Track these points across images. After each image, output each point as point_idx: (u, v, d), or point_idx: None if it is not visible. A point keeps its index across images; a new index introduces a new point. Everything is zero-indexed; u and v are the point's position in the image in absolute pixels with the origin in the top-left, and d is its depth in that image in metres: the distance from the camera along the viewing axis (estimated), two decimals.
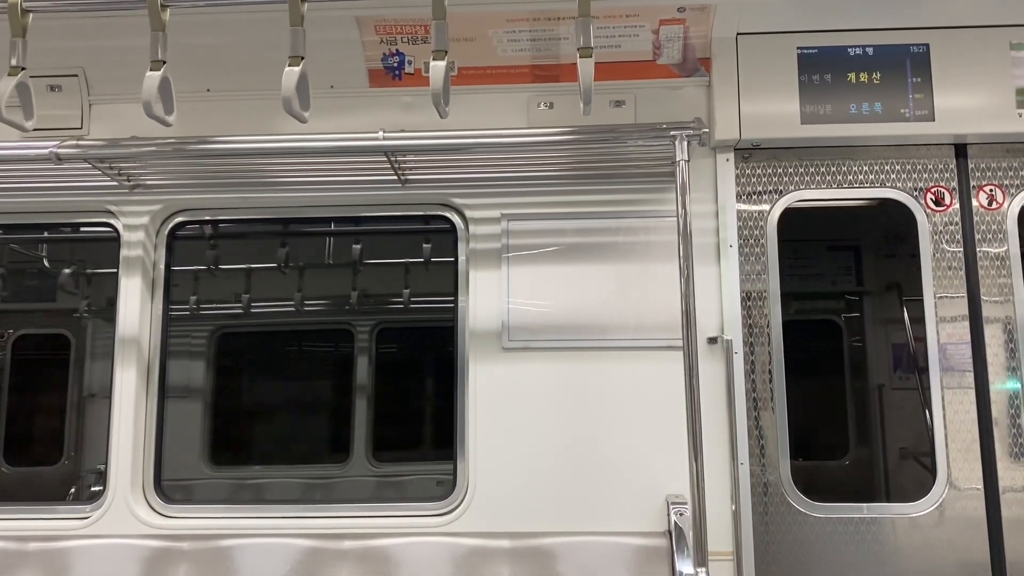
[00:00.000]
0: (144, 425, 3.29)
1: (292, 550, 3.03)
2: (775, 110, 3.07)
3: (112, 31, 3.05)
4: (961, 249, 3.11)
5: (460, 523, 3.06)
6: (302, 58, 2.46)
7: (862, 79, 3.08)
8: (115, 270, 3.34)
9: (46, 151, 2.83)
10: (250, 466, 4.26)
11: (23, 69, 2.54)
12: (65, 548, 3.08)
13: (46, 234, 4.18)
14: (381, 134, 2.82)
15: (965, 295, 3.08)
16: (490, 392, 3.13)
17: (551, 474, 3.08)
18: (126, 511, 3.15)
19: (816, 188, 3.18)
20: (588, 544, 2.99)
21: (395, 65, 3.22)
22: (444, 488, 3.24)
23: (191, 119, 3.17)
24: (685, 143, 2.73)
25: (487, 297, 3.19)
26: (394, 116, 3.28)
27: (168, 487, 3.34)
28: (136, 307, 3.29)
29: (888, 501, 3.12)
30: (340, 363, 4.33)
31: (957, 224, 3.13)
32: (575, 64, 2.47)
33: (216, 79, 3.29)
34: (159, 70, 2.49)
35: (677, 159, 2.73)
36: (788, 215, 3.17)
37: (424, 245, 4.01)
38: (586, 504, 3.05)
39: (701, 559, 2.55)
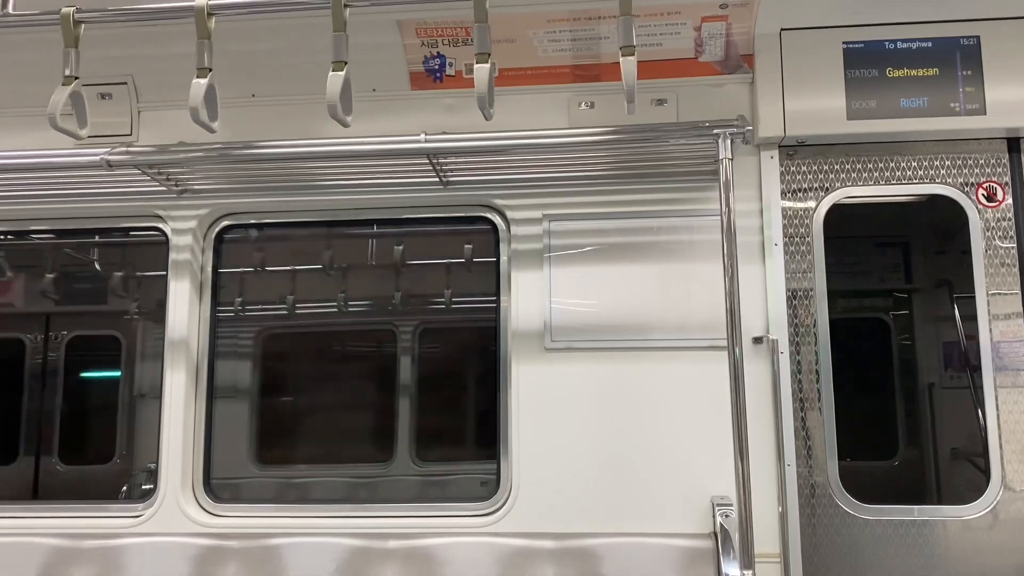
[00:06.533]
0: (193, 425, 3.35)
1: (338, 549, 3.06)
2: (820, 106, 3.03)
3: (159, 39, 3.10)
4: (1015, 245, 3.03)
5: (504, 523, 3.07)
6: (345, 63, 2.48)
7: (910, 73, 3.02)
8: (164, 273, 3.41)
9: (97, 158, 2.90)
10: (296, 465, 4.31)
11: (76, 79, 2.60)
12: (119, 546, 3.16)
13: (97, 238, 4.28)
14: (423, 136, 2.84)
15: (1019, 292, 3.01)
16: (533, 393, 3.13)
17: (595, 474, 3.07)
18: (176, 510, 3.21)
19: (863, 185, 3.12)
20: (632, 545, 2.98)
21: (436, 67, 3.24)
22: (488, 488, 3.25)
23: (237, 124, 3.22)
24: (728, 141, 2.70)
25: (529, 298, 3.19)
26: (435, 118, 3.29)
27: (217, 486, 3.40)
28: (184, 309, 3.36)
29: (940, 503, 3.06)
30: (383, 363, 4.36)
31: (1010, 220, 3.05)
32: (616, 63, 2.45)
33: (261, 85, 3.33)
34: (205, 77, 2.53)
35: (720, 157, 2.70)
36: (834, 212, 3.12)
37: (466, 246, 4.02)
38: (630, 505, 3.04)
39: (747, 561, 2.52)
